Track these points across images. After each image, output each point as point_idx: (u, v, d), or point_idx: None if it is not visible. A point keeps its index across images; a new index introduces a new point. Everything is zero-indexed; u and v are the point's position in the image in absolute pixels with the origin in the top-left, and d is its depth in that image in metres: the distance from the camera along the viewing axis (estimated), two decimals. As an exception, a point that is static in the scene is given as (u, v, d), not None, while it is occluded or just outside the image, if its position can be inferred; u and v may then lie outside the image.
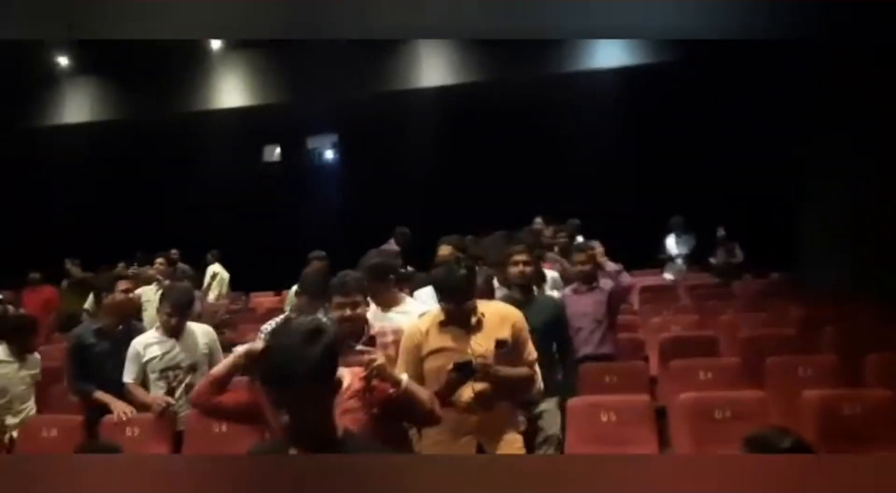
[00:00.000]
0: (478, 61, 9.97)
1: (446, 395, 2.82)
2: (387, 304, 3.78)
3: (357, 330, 3.04)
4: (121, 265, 8.90)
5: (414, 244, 7.52)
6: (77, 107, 11.30)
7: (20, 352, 4.62)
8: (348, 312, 3.01)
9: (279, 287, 9.25)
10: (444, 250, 4.70)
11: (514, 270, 4.08)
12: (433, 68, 10.15)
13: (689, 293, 7.83)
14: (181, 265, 8.21)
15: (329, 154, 12.17)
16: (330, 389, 1.75)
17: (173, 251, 8.38)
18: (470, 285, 2.96)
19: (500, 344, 2.90)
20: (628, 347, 5.39)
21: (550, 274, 5.30)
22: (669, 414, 4.17)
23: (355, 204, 11.14)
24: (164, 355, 4.04)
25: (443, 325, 2.97)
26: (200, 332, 4.20)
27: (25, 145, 11.23)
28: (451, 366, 2.81)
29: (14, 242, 10.12)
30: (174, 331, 4.08)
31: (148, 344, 4.06)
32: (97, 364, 4.18)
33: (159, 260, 7.41)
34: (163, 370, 4.03)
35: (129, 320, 4.47)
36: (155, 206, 11.20)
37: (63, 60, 10.91)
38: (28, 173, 11.23)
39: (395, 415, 2.48)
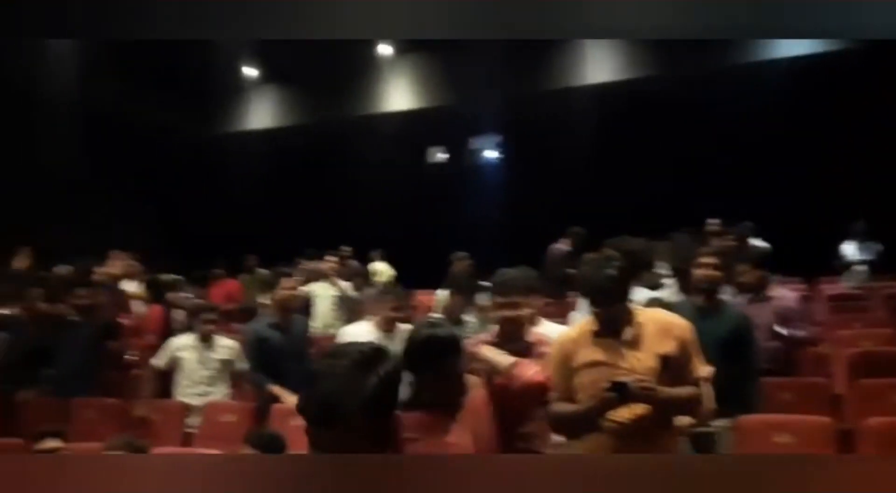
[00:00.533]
0: (641, 57, 9.61)
1: (598, 415, 2.50)
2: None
3: (514, 333, 2.85)
4: (296, 262, 9.44)
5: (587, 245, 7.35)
6: (260, 113, 12.23)
7: (204, 337, 4.92)
8: (507, 312, 2.84)
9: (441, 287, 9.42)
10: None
11: (700, 273, 3.75)
12: (597, 65, 9.92)
13: (884, 303, 7.06)
14: (351, 262, 8.56)
15: (491, 154, 12.22)
16: (385, 430, 1.44)
17: (344, 248, 8.77)
18: (620, 287, 2.62)
19: (663, 361, 2.56)
20: (810, 362, 4.94)
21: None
22: (856, 439, 3.76)
23: (518, 203, 11.11)
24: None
25: (596, 335, 2.64)
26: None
27: (214, 150, 12.26)
28: (605, 384, 2.49)
29: (203, 240, 11.00)
30: (388, 326, 4.05)
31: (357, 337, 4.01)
32: (273, 356, 4.43)
33: (331, 257, 7.74)
34: None
35: (293, 315, 4.69)
36: (327, 205, 11.79)
37: (249, 70, 11.81)
38: (215, 176, 12.21)
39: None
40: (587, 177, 10.33)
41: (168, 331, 5.85)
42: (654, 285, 4.35)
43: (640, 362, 2.56)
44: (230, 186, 12.18)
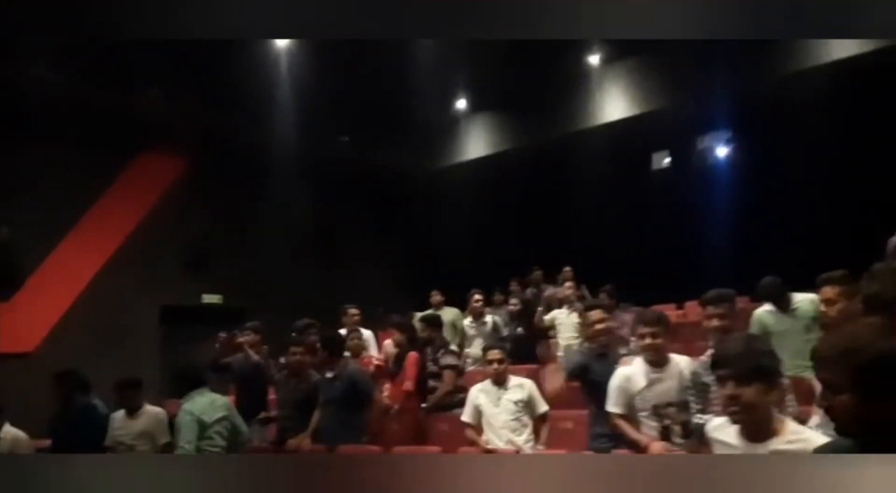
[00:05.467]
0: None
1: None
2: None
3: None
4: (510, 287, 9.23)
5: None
6: (473, 143, 12.32)
7: (497, 380, 4.79)
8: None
9: (679, 299, 8.75)
10: (829, 293, 3.50)
11: None
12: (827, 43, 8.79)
13: None
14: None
15: (721, 152, 11.27)
16: None
17: (566, 270, 8.42)
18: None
19: None
20: None
21: None
22: None
23: (751, 202, 10.09)
24: (651, 386, 3.70)
25: None
26: (684, 363, 3.71)
27: (434, 185, 12.50)
28: None
29: (421, 272, 11.13)
30: (660, 358, 3.73)
31: (632, 374, 3.79)
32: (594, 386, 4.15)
33: (569, 283, 7.43)
34: (655, 406, 3.68)
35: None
36: (549, 227, 11.52)
37: (460, 103, 11.97)
38: (437, 210, 12.41)
39: None
40: (824, 171, 9.09)
41: (423, 375, 5.85)
42: None
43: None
44: (451, 218, 12.34)
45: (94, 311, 9.25)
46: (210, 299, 10.44)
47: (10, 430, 5.35)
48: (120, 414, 5.81)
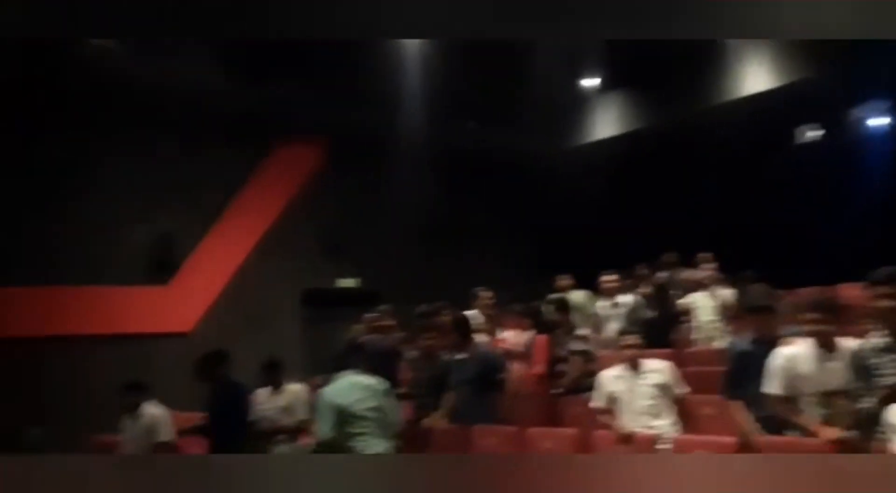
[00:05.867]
0: None
1: None
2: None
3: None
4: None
5: None
6: (604, 121, 12.02)
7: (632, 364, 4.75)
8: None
9: (826, 282, 8.14)
10: None
11: None
12: None
13: None
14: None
15: (880, 122, 10.35)
16: None
17: (703, 255, 8.01)
18: None
19: None
20: None
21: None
22: None
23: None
24: (817, 371, 3.56)
25: None
26: (851, 346, 3.51)
27: (556, 167, 12.28)
28: None
29: (550, 255, 10.96)
30: (828, 343, 3.56)
31: (796, 355, 3.65)
32: (749, 372, 3.98)
33: (708, 264, 7.13)
34: (822, 393, 3.55)
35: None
36: (683, 208, 11.05)
37: (592, 81, 11.68)
38: (568, 192, 12.17)
39: None
40: None
41: (553, 359, 5.82)
42: None
43: None
44: (581, 200, 12.10)
45: (242, 294, 9.87)
46: (346, 283, 10.85)
47: (149, 408, 5.83)
48: (264, 391, 6.18)
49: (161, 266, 9.32)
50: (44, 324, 8.43)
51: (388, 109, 10.22)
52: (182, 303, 9.43)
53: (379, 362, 6.57)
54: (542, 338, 6.02)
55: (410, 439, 4.99)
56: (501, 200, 12.09)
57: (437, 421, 5.27)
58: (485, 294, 7.14)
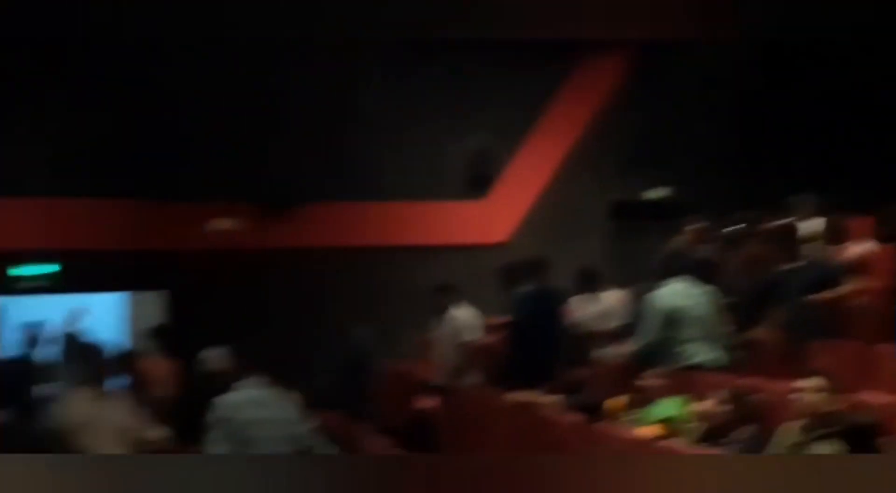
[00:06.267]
0: None
1: None
2: None
3: None
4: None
5: None
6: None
7: None
8: None
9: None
10: None
11: None
12: None
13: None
14: None
15: None
16: None
17: None
18: None
19: None
20: None
21: None
22: None
23: None
24: None
25: None
26: None
27: None
28: None
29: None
30: None
31: None
32: None
33: None
34: None
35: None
36: None
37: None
38: None
39: None
40: None
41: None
42: None
43: None
44: None
45: (553, 206, 10.15)
46: (655, 194, 10.58)
47: (458, 311, 6.37)
48: (580, 298, 6.42)
49: (477, 181, 9.90)
50: (375, 235, 9.47)
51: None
52: (498, 216, 9.98)
53: (700, 273, 6.43)
54: (888, 248, 5.36)
55: (738, 350, 4.83)
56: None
57: (764, 334, 5.01)
58: (808, 202, 6.46)
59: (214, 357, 4.56)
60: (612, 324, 6.05)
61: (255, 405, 3.53)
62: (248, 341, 3.87)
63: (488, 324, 6.87)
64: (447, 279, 7.03)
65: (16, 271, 8.26)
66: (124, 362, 5.26)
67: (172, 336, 6.57)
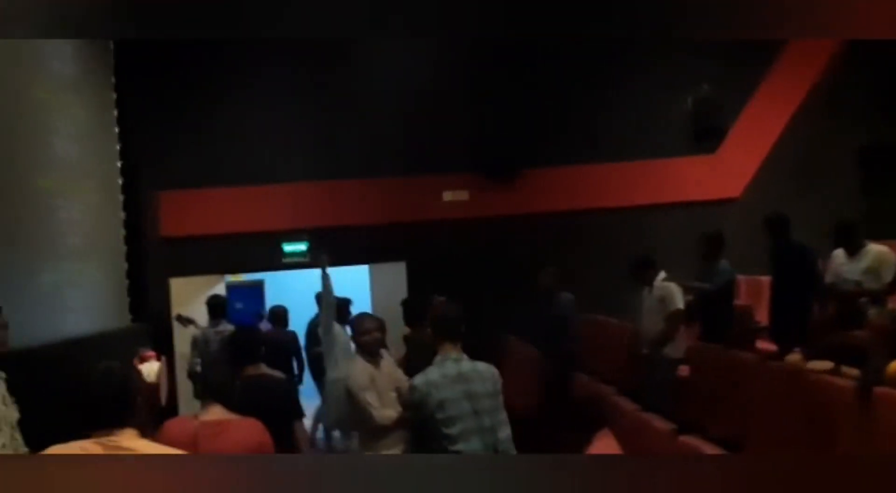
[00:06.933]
0: None
1: None
2: None
3: None
4: None
5: None
6: None
7: None
8: None
9: None
10: None
11: None
12: None
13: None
14: None
15: None
16: None
17: None
18: None
19: None
20: None
21: None
22: None
23: None
24: None
25: None
26: None
27: None
28: None
29: None
30: None
31: None
32: None
33: None
34: None
35: None
36: None
37: None
38: None
39: None
40: None
41: None
42: None
43: None
44: None
45: (790, 156, 9.40)
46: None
47: (663, 280, 6.14)
48: (840, 253, 5.94)
49: (705, 133, 9.39)
50: (602, 197, 9.38)
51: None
52: (729, 169, 9.43)
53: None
54: None
55: None
56: None
57: None
58: None
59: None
60: (883, 280, 5.53)
61: (452, 382, 3.54)
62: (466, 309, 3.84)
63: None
64: (649, 252, 6.82)
65: (283, 247, 9.13)
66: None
67: (417, 306, 6.91)
